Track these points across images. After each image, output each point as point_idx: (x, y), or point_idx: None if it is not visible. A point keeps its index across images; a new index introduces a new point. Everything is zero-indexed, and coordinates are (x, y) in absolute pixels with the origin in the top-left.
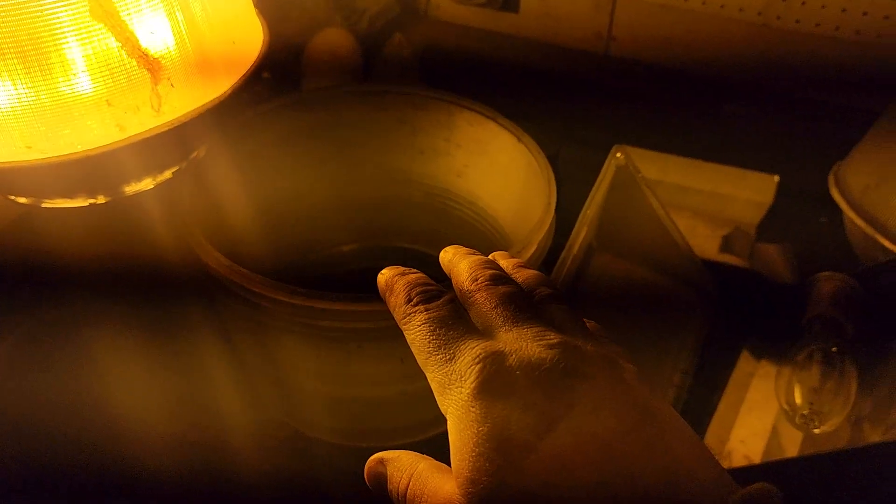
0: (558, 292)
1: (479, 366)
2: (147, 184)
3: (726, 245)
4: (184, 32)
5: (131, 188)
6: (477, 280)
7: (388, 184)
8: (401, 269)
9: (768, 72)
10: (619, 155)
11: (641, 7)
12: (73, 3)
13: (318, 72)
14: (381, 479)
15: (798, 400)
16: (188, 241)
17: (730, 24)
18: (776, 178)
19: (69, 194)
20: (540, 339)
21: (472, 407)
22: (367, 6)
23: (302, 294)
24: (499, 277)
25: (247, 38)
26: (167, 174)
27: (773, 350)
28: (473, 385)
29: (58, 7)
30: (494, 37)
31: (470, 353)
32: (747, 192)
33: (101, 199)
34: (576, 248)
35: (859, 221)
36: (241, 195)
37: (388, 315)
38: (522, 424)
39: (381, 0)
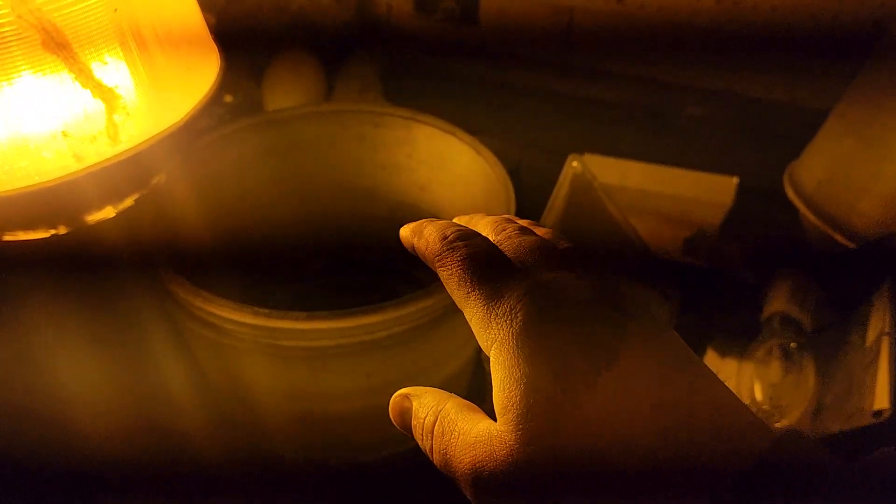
0: (577, 246)
1: (528, 298)
2: (108, 212)
3: (689, 247)
4: (138, 61)
5: (93, 217)
6: (505, 230)
7: (353, 200)
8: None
9: (725, 75)
10: (574, 164)
11: (599, 15)
12: (26, 36)
13: (280, 93)
14: (405, 414)
15: (759, 395)
16: (151, 266)
17: (685, 30)
18: (735, 179)
19: (30, 226)
20: (582, 279)
21: (525, 340)
22: (327, 26)
23: (263, 314)
24: (524, 229)
25: (202, 63)
26: (128, 201)
27: (736, 348)
28: (525, 318)
29: (10, 40)
30: (455, 50)
31: (518, 288)
32: (708, 195)
33: (62, 230)
34: None
35: (812, 217)
36: (205, 218)
37: (352, 332)
38: (581, 358)
39: (341, 19)
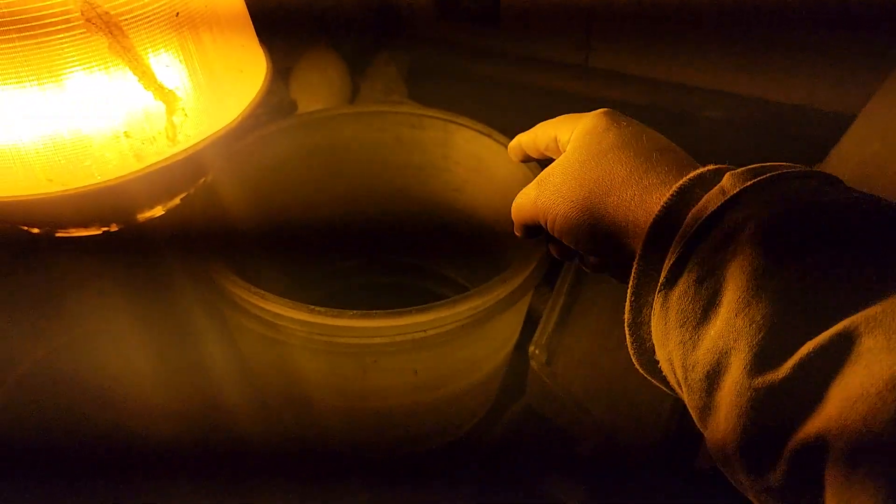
0: None
1: (597, 116)
2: (158, 210)
3: None
4: (196, 64)
5: (143, 215)
6: None
7: (389, 201)
8: None
9: (744, 76)
10: None
11: (616, 15)
12: (93, 40)
13: (309, 93)
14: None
15: None
16: (198, 260)
17: (707, 14)
18: None
19: (84, 224)
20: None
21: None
22: (351, 26)
23: (320, 312)
24: None
25: (252, 66)
26: (176, 200)
27: None
28: (592, 121)
29: (78, 43)
30: (476, 51)
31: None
32: None
33: (113, 227)
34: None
35: None
36: (246, 216)
37: (405, 330)
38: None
39: (365, 20)
